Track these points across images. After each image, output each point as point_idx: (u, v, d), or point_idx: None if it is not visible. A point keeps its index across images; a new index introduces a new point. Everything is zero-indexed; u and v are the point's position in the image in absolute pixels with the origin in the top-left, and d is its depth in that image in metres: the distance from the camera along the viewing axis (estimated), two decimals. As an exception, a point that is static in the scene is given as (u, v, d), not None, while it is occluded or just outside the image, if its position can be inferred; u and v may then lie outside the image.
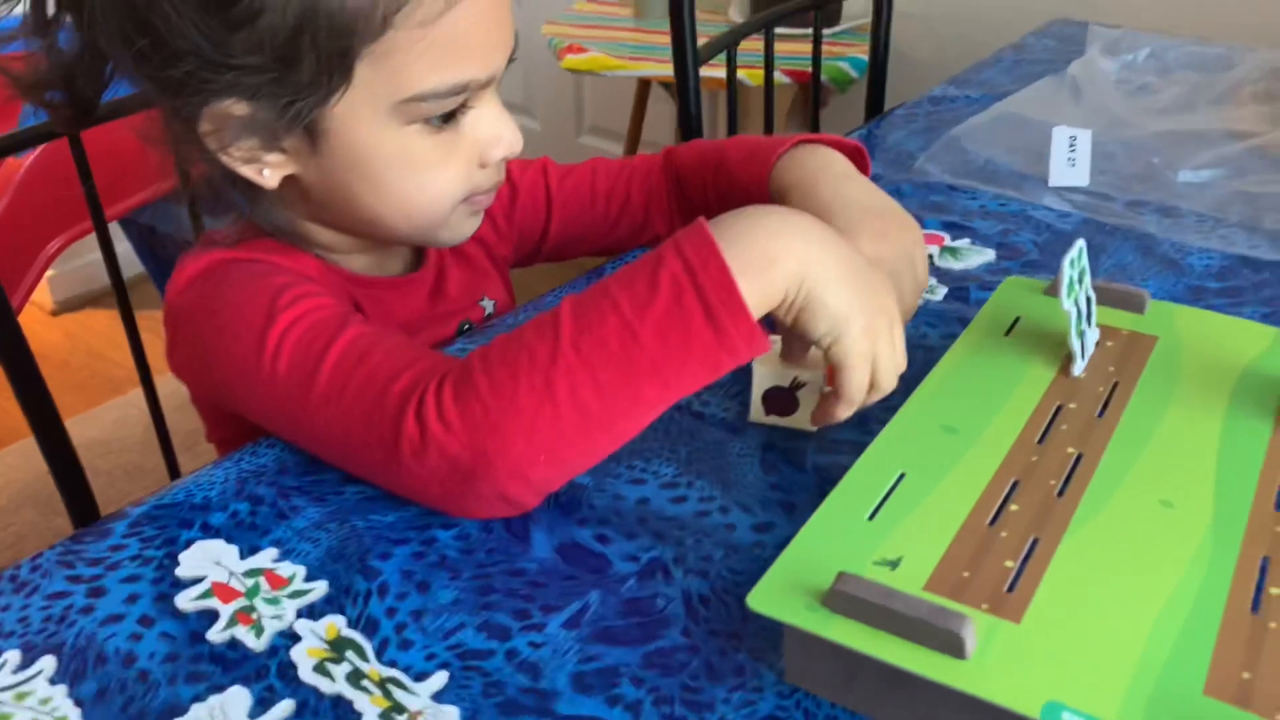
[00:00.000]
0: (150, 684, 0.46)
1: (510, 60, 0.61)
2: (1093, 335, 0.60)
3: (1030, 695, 0.39)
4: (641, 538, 0.54)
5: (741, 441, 0.61)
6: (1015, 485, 0.50)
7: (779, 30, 1.38)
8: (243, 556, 0.53)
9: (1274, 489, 0.50)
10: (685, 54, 1.14)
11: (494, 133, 0.61)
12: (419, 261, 0.72)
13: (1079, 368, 0.58)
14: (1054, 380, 0.58)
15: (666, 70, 1.45)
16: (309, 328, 0.56)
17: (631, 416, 0.51)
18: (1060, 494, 0.49)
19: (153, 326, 0.63)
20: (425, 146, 0.59)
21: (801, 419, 0.61)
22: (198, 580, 0.51)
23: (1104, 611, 0.43)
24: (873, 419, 0.62)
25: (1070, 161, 0.93)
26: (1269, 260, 0.81)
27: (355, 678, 0.46)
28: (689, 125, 1.18)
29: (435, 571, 0.52)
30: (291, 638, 0.48)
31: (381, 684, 0.46)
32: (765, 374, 0.60)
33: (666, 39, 1.15)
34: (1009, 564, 0.45)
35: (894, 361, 0.54)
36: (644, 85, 2.02)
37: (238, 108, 0.56)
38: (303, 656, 0.47)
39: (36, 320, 2.24)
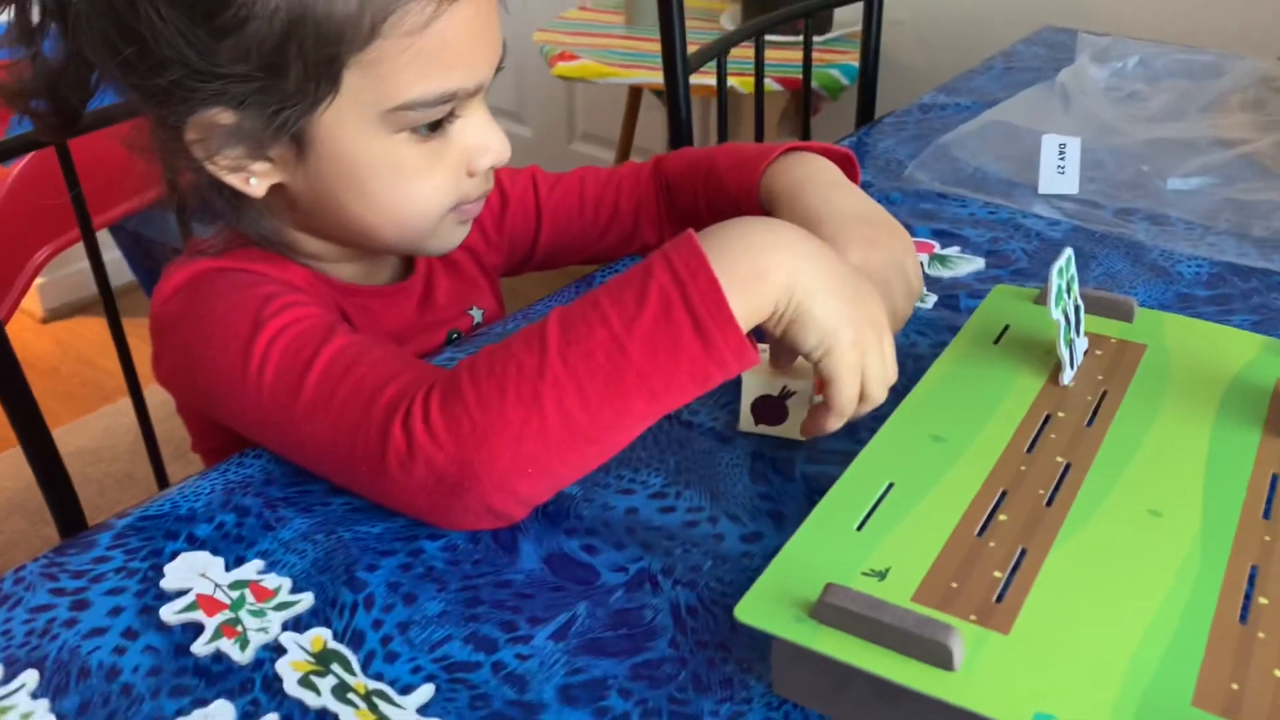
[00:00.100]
0: (134, 698, 0.46)
1: (498, 69, 0.61)
2: (1081, 344, 0.60)
3: (1019, 707, 0.39)
4: (630, 548, 0.54)
5: (730, 451, 0.61)
6: (1004, 495, 0.50)
7: (770, 37, 1.39)
8: (228, 568, 0.53)
9: (1262, 498, 0.50)
10: (675, 61, 1.14)
11: (481, 141, 0.61)
12: (407, 270, 0.72)
13: (1068, 376, 0.58)
14: (1043, 389, 0.58)
15: (658, 77, 1.45)
16: (295, 337, 0.56)
17: (619, 429, 0.51)
18: (1049, 504, 0.49)
19: (143, 334, 0.63)
20: (413, 155, 0.59)
21: (791, 428, 0.61)
22: (182, 592, 0.51)
23: (1092, 622, 0.43)
24: (862, 428, 0.61)
25: (1060, 169, 0.93)
26: (1258, 268, 0.81)
27: (341, 691, 0.46)
28: (679, 132, 1.18)
29: (422, 583, 0.52)
30: (277, 650, 0.48)
31: (367, 697, 0.46)
32: (754, 383, 0.60)
33: (658, 46, 1.15)
34: (997, 574, 0.45)
35: (884, 373, 0.54)
36: (635, 93, 2.02)
37: (224, 116, 0.56)
38: (288, 669, 0.47)
39: (26, 328, 2.23)
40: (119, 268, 1.71)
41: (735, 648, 0.48)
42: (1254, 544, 0.47)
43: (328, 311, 0.60)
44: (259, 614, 0.50)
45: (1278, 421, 0.55)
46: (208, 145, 0.57)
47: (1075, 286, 0.60)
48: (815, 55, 1.63)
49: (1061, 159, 0.93)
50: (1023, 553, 0.46)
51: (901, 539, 0.47)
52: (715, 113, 1.26)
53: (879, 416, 0.56)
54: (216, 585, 0.51)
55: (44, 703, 0.46)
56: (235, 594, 0.51)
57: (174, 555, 0.53)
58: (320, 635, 0.49)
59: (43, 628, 0.50)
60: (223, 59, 0.53)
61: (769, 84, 1.61)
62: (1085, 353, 0.61)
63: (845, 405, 0.53)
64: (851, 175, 0.71)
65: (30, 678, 0.47)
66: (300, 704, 0.45)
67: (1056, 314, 0.56)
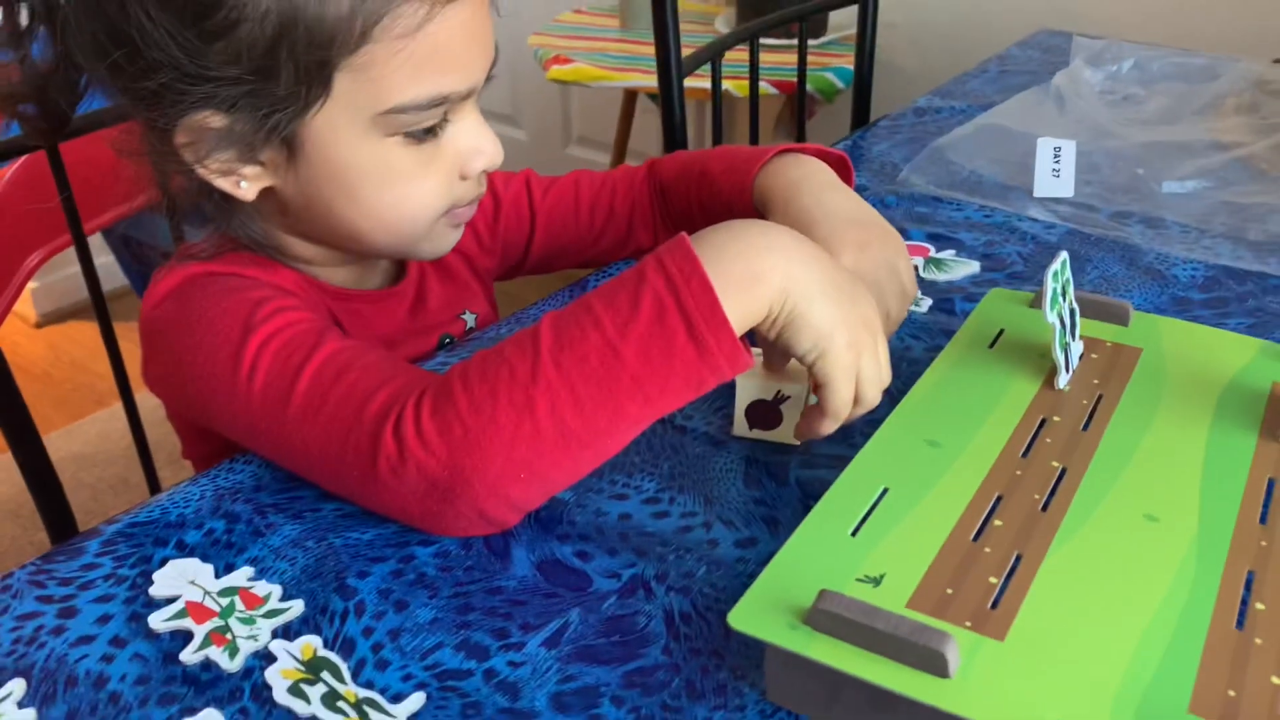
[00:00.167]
0: (121, 706, 0.45)
1: (489, 73, 0.61)
2: (1077, 348, 0.60)
3: (1014, 715, 0.38)
4: (623, 554, 0.53)
5: (724, 456, 0.60)
6: (999, 500, 0.49)
7: (764, 41, 1.38)
8: (218, 575, 0.52)
9: (1259, 502, 0.49)
10: (669, 65, 1.14)
11: (474, 145, 0.61)
12: (399, 274, 0.72)
13: (1063, 380, 0.58)
14: (1038, 393, 0.57)
15: (652, 81, 1.45)
16: (286, 343, 0.55)
17: (612, 434, 0.51)
18: (1044, 508, 0.49)
19: (136, 338, 0.63)
20: (405, 159, 0.59)
21: (785, 433, 0.60)
22: (171, 600, 0.51)
23: (1088, 629, 0.42)
24: (856, 432, 0.61)
25: (1055, 172, 0.93)
26: (1253, 271, 0.81)
27: (331, 699, 0.45)
28: (674, 136, 1.18)
29: (413, 590, 0.51)
30: (266, 658, 0.48)
31: (358, 705, 0.45)
32: (749, 387, 0.60)
33: (652, 50, 1.15)
34: (993, 580, 0.45)
35: (878, 376, 0.54)
36: (630, 96, 2.02)
37: (215, 120, 0.55)
38: (277, 678, 0.46)
39: (19, 333, 2.22)
40: (111, 272, 1.70)
41: (729, 655, 0.48)
42: (1250, 549, 0.46)
43: (319, 316, 0.60)
44: (249, 621, 0.49)
45: (1274, 425, 0.54)
46: (198, 149, 0.56)
47: (1070, 290, 0.59)
48: (810, 58, 1.63)
49: (1056, 162, 0.93)
50: (1018, 558, 0.46)
51: (896, 545, 0.47)
52: (710, 116, 1.26)
53: (874, 421, 0.55)
54: (206, 592, 0.51)
55: (31, 712, 0.45)
56: (225, 601, 0.50)
57: (163, 562, 0.53)
58: (310, 643, 0.48)
59: (30, 635, 0.49)
60: (213, 62, 0.53)
61: (764, 87, 1.61)
62: (1081, 356, 0.60)
63: (840, 408, 0.53)
64: (846, 178, 0.71)
65: (17, 686, 0.46)
66: (290, 713, 0.45)
67: (1052, 318, 0.56)
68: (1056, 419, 0.55)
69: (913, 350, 0.70)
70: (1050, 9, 1.68)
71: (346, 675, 0.47)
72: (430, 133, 0.59)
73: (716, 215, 0.73)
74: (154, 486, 1.00)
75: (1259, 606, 0.43)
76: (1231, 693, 0.39)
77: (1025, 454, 0.53)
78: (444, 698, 0.46)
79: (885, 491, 0.50)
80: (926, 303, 0.76)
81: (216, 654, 0.48)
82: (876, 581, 0.44)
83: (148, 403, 0.86)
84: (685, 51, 1.16)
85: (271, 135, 0.56)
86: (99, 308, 0.90)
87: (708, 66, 1.19)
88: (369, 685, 0.46)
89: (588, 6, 2.13)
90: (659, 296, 0.49)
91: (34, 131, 0.62)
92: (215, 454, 0.61)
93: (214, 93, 0.54)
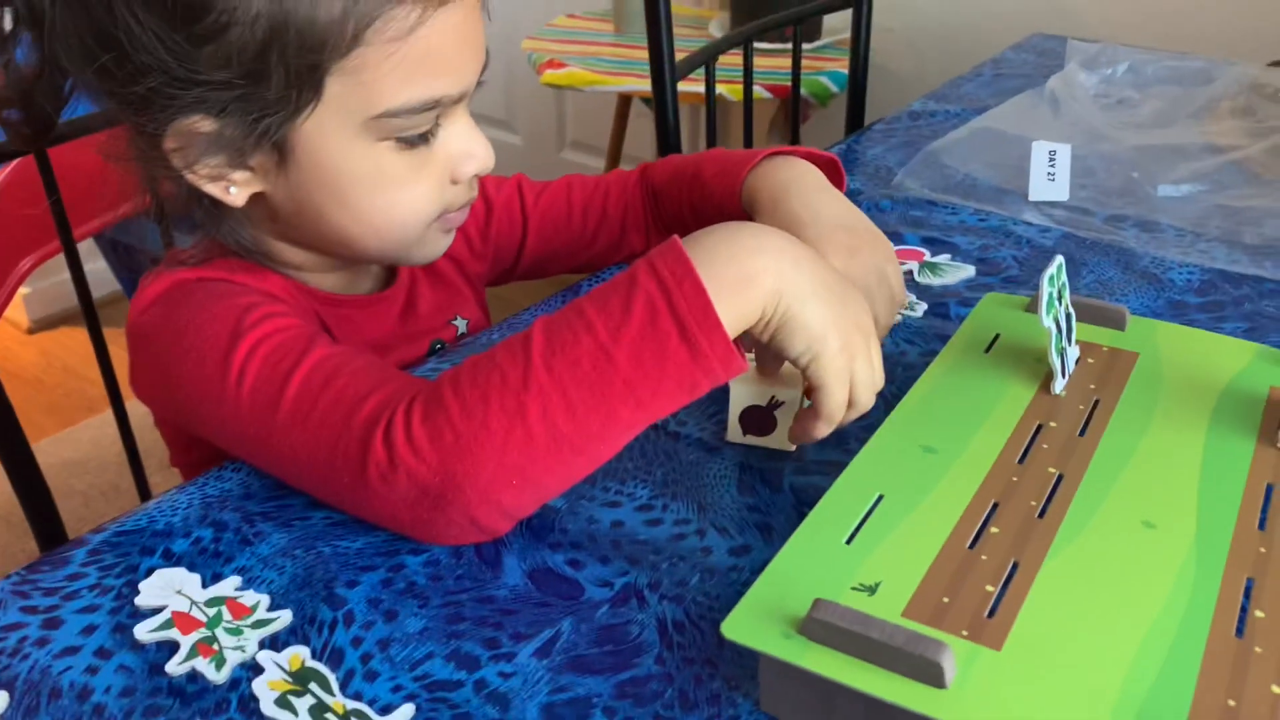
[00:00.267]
0: (106, 719, 0.45)
1: (480, 77, 0.60)
2: (1073, 352, 0.59)
3: (1011, 726, 0.38)
4: (616, 562, 0.53)
5: (718, 462, 0.60)
6: (995, 507, 0.49)
7: (759, 45, 1.38)
8: (205, 585, 0.51)
9: (1257, 508, 0.49)
10: (663, 68, 1.13)
11: (465, 149, 0.60)
12: (389, 280, 0.71)
13: (1059, 385, 0.57)
14: (1034, 398, 0.57)
15: (646, 85, 1.44)
16: (274, 349, 0.55)
17: (605, 439, 0.50)
18: (1041, 515, 0.48)
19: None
20: (396, 164, 0.58)
21: (779, 438, 0.60)
22: (157, 610, 0.50)
23: (1086, 638, 0.42)
24: (851, 438, 0.61)
25: (1050, 176, 0.93)
26: (1249, 275, 0.80)
27: (319, 711, 0.45)
28: (667, 140, 1.17)
29: (403, 599, 0.51)
30: (254, 669, 0.47)
31: (346, 717, 0.44)
32: (742, 393, 0.59)
33: (647, 54, 1.14)
34: (989, 588, 0.44)
35: (872, 379, 0.53)
36: (625, 100, 2.02)
37: (204, 124, 0.55)
38: (264, 689, 0.46)
39: (11, 339, 2.21)
40: (103, 278, 1.69)
41: (723, 664, 0.47)
42: (1249, 556, 0.46)
43: (308, 322, 0.59)
44: (236, 632, 0.49)
45: (1271, 430, 0.54)
46: (187, 154, 0.56)
47: (1066, 294, 0.59)
48: (804, 62, 1.63)
49: (1052, 166, 0.93)
50: (1015, 566, 0.45)
51: (892, 552, 0.46)
52: (704, 120, 1.25)
53: (868, 426, 0.55)
54: (192, 602, 0.50)
55: (13, 725, 0.44)
56: (212, 611, 0.50)
57: (150, 571, 0.52)
58: (298, 653, 0.48)
59: (13, 647, 0.48)
60: (203, 66, 0.52)
61: (758, 91, 1.60)
62: (1077, 361, 0.60)
63: (834, 412, 0.53)
64: (837, 181, 0.70)
65: (0, 700, 0.46)
66: (277, 725, 0.44)
67: (1048, 322, 0.55)
68: (1053, 424, 0.55)
69: (908, 355, 0.70)
70: (1044, 12, 1.68)
71: (335, 686, 0.46)
72: (422, 138, 0.58)
73: (708, 218, 0.73)
74: (144, 493, 0.99)
75: (1258, 614, 0.43)
76: (1231, 702, 0.39)
77: (1021, 460, 0.52)
78: (434, 709, 0.45)
79: (880, 498, 0.49)
80: (921, 307, 0.76)
81: (203, 665, 0.47)
82: (871, 590, 0.44)
83: (139, 409, 0.85)
84: (679, 55, 1.15)
85: (262, 140, 0.55)
86: (89, 314, 0.89)
87: (702, 70, 1.19)
88: (358, 697, 0.46)
89: (582, 11, 2.13)
90: (651, 299, 0.49)
91: (17, 137, 0.62)
92: (203, 461, 0.61)
93: (204, 97, 0.53)
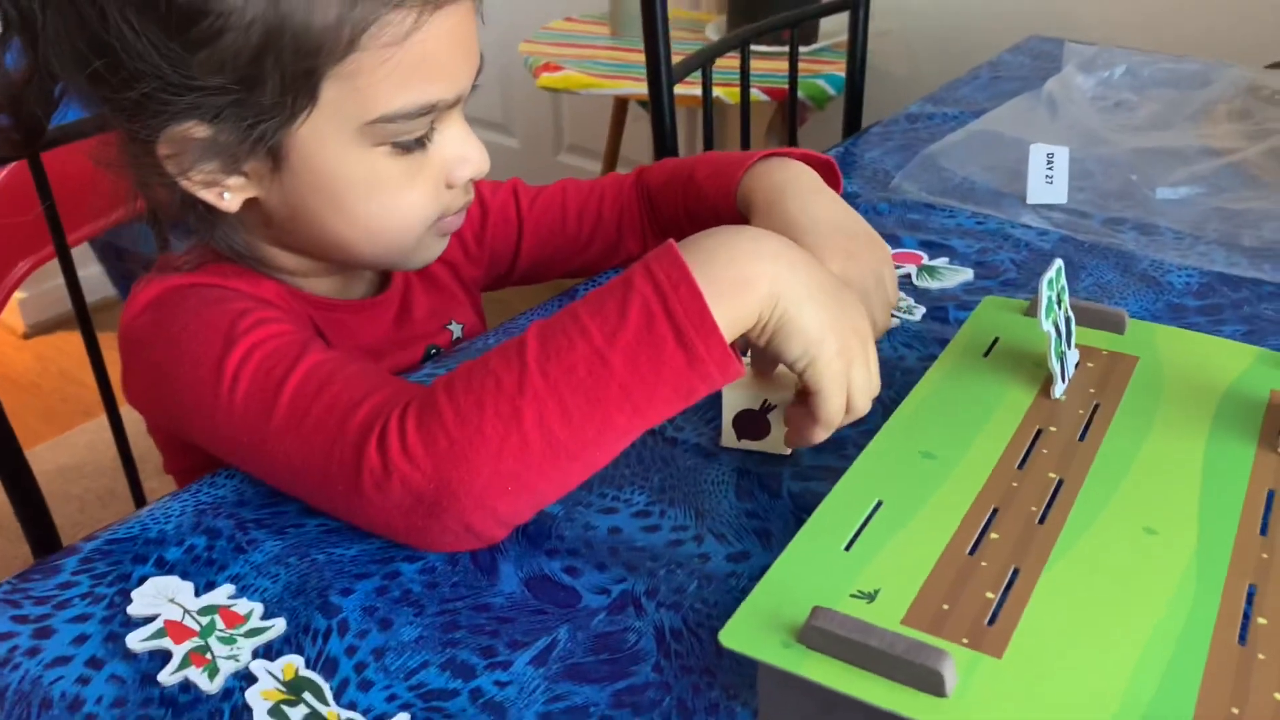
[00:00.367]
0: (97, 730, 0.44)
1: (475, 81, 0.60)
2: (1073, 356, 0.59)
3: (1012, 735, 0.37)
4: (613, 569, 0.52)
5: (715, 468, 0.59)
6: (995, 513, 0.49)
7: (755, 48, 1.38)
8: (198, 593, 0.51)
9: (1259, 514, 0.48)
10: (659, 71, 1.13)
11: (460, 153, 0.60)
12: (383, 284, 0.71)
13: (1059, 390, 0.57)
14: (1034, 403, 0.56)
15: (643, 88, 1.44)
16: (268, 355, 0.54)
17: (601, 445, 0.50)
18: (1041, 521, 0.48)
19: (123, 350, 0.62)
20: (392, 169, 0.58)
21: (774, 443, 0.59)
22: (150, 619, 0.49)
23: (1087, 645, 0.41)
24: (849, 442, 0.60)
25: (1048, 179, 0.92)
26: (1247, 277, 0.80)
27: (313, 721, 0.44)
28: (664, 143, 1.17)
29: (398, 608, 0.50)
30: (247, 679, 0.46)
31: (340, 727, 0.44)
32: (735, 397, 0.59)
33: (643, 57, 1.14)
34: (989, 595, 0.44)
35: (869, 385, 0.53)
36: (621, 103, 2.02)
37: (198, 130, 0.54)
38: (258, 699, 0.45)
39: (7, 343, 2.21)
40: (98, 282, 1.69)
41: (721, 673, 0.46)
42: (1251, 562, 0.46)
43: (301, 328, 0.59)
44: (229, 641, 0.48)
45: (1272, 435, 0.54)
46: (181, 160, 0.55)
47: (1066, 298, 0.58)
48: (801, 65, 1.63)
49: (1049, 168, 0.92)
50: (1015, 572, 0.45)
51: (891, 559, 0.46)
52: (701, 124, 1.25)
53: (867, 431, 0.55)
54: (185, 611, 0.50)
55: (3, 736, 0.44)
56: (205, 620, 0.49)
57: (142, 580, 0.52)
58: (292, 663, 0.47)
59: (4, 657, 0.48)
60: (197, 71, 0.52)
61: (755, 94, 1.60)
62: (1076, 365, 0.59)
63: (832, 417, 0.52)
64: (833, 182, 0.70)
65: (-10, 710, 0.45)
66: (270, 735, 0.44)
67: (1047, 326, 0.55)
68: (1053, 429, 0.54)
69: (906, 360, 0.69)
70: (1042, 15, 1.68)
71: (329, 696, 0.45)
72: (418, 143, 0.58)
73: (703, 221, 0.73)
74: (139, 499, 0.99)
75: (1261, 621, 0.42)
76: (1235, 710, 0.38)
77: (1021, 465, 0.52)
78: (429, 718, 0.45)
79: (879, 504, 0.49)
80: (920, 311, 0.75)
81: (195, 675, 0.46)
82: (871, 597, 0.44)
83: (133, 414, 0.85)
84: (676, 58, 1.15)
85: (257, 146, 0.55)
86: (82, 318, 0.88)
87: (699, 73, 1.19)
88: (352, 706, 0.45)
89: (578, 14, 2.13)
90: (647, 304, 0.48)
91: (7, 143, 0.61)
92: (197, 468, 0.60)
93: (198, 103, 0.53)
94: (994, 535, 0.47)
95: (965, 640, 0.41)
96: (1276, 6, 1.50)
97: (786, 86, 1.36)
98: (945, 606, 0.43)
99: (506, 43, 2.08)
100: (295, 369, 0.53)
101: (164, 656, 0.48)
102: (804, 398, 0.54)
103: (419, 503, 0.49)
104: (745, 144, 1.33)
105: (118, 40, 0.51)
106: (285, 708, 0.45)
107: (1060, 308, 0.57)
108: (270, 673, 0.46)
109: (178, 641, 0.48)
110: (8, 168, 1.35)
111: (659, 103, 1.15)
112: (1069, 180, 0.93)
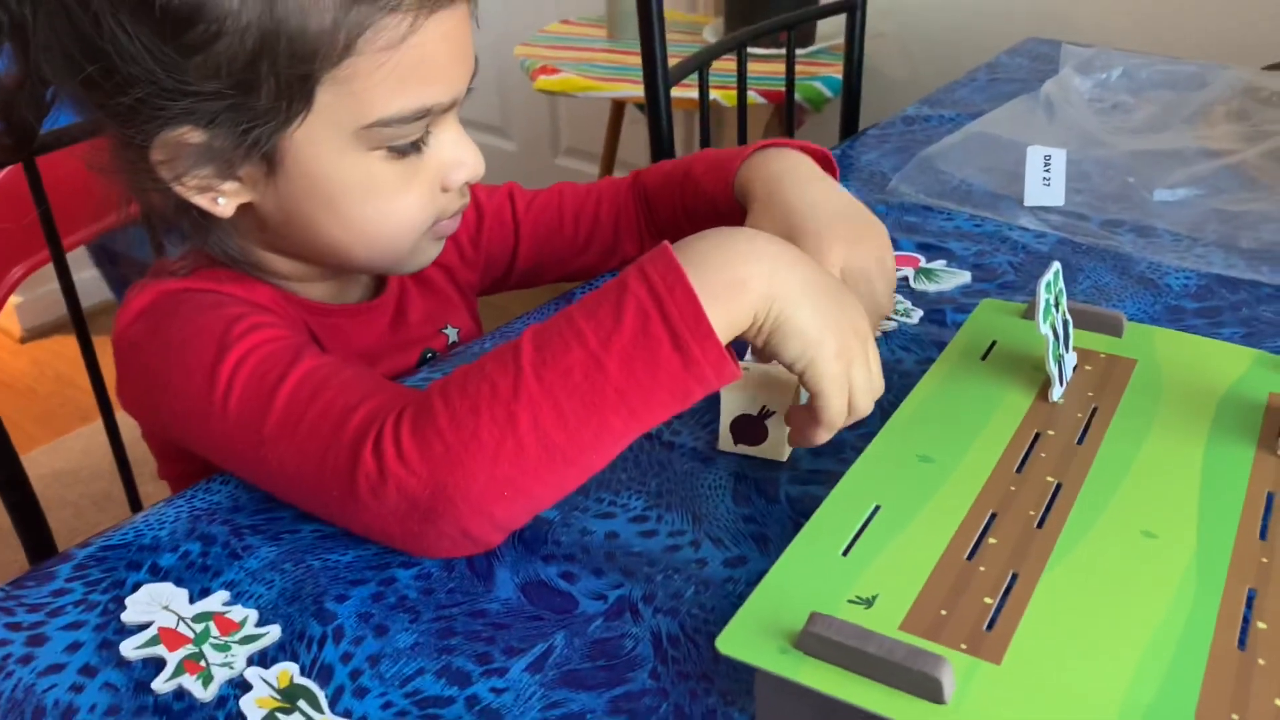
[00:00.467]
0: (90, 739, 0.44)
1: (470, 84, 0.60)
2: (1070, 359, 0.59)
3: (1011, 742, 0.37)
4: (609, 575, 0.52)
5: (713, 472, 0.59)
6: (993, 517, 0.48)
7: (752, 50, 1.38)
8: (192, 600, 0.51)
9: (1258, 517, 0.48)
10: (656, 74, 1.13)
11: (456, 156, 0.60)
12: (378, 288, 0.71)
13: (1057, 393, 0.57)
14: (1032, 406, 0.56)
15: (640, 91, 1.44)
16: (261, 360, 0.54)
17: (598, 449, 0.50)
18: (1040, 525, 0.48)
19: (117, 355, 0.61)
20: (387, 173, 0.58)
21: (771, 448, 0.59)
22: (144, 626, 0.49)
23: (1087, 650, 0.41)
24: (847, 446, 0.60)
25: (1045, 181, 0.92)
26: (1246, 279, 0.80)
27: (307, 729, 0.44)
28: (661, 146, 1.17)
29: (394, 614, 0.50)
30: (241, 686, 0.46)
31: (335, 735, 0.44)
32: (733, 402, 0.58)
33: (640, 59, 1.14)
34: (988, 600, 0.43)
35: (870, 384, 0.53)
36: (619, 106, 2.01)
37: (193, 135, 0.54)
38: (252, 707, 0.45)
39: (3, 348, 2.20)
40: (93, 286, 1.69)
41: (718, 679, 0.46)
42: (1251, 566, 0.45)
43: (296, 332, 0.59)
44: (223, 648, 0.48)
45: (1271, 438, 0.53)
46: (175, 166, 0.55)
47: (1063, 301, 0.58)
48: (798, 68, 1.63)
49: (1047, 171, 0.92)
50: (1014, 577, 0.45)
51: (889, 564, 0.45)
52: (698, 126, 1.25)
53: (865, 435, 0.54)
54: (180, 618, 0.50)
55: (-4, 745, 0.44)
56: (199, 627, 0.49)
57: (136, 586, 0.51)
58: (287, 670, 0.47)
59: (-3, 665, 0.48)
60: (192, 76, 0.52)
61: (752, 97, 1.60)
62: (1074, 368, 0.59)
63: (834, 418, 0.52)
64: (830, 174, 0.70)
65: (-18, 719, 0.45)
66: (265, 743, 0.44)
67: (1045, 329, 0.55)
68: (1051, 433, 0.54)
69: (904, 363, 0.69)
70: (1038, 17, 1.68)
71: (324, 703, 0.45)
72: (413, 146, 0.58)
73: (700, 216, 0.72)
74: (135, 504, 0.99)
75: (1261, 625, 0.42)
76: (1235, 715, 0.38)
77: (1020, 469, 0.52)
78: (424, 726, 0.44)
79: (877, 509, 0.49)
80: (917, 314, 0.75)
81: (190, 682, 0.46)
82: (869, 603, 0.43)
83: (129, 418, 0.85)
84: (673, 61, 1.15)
85: (252, 151, 0.55)
86: (78, 322, 0.88)
87: (695, 76, 1.19)
88: (347, 714, 0.45)
89: (575, 16, 2.12)
90: (642, 307, 0.48)
91: (-1, 148, 0.61)
92: (192, 474, 0.60)
93: (193, 108, 0.53)
94: (992, 540, 0.47)
95: (964, 646, 0.41)
96: (1274, 8, 1.50)
97: (783, 89, 1.36)
98: (943, 612, 0.43)
99: (503, 46, 2.07)
100: (289, 375, 0.53)
101: (158, 664, 0.47)
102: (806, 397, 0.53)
103: (415, 508, 0.49)
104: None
105: (111, 45, 0.51)
106: (280, 715, 0.44)
107: (1058, 310, 0.57)
108: (265, 680, 0.46)
109: (172, 649, 0.48)
110: (1, 173, 1.35)
111: (656, 105, 1.15)
112: (1066, 182, 0.92)
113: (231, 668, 0.47)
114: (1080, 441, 0.54)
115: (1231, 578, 0.45)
